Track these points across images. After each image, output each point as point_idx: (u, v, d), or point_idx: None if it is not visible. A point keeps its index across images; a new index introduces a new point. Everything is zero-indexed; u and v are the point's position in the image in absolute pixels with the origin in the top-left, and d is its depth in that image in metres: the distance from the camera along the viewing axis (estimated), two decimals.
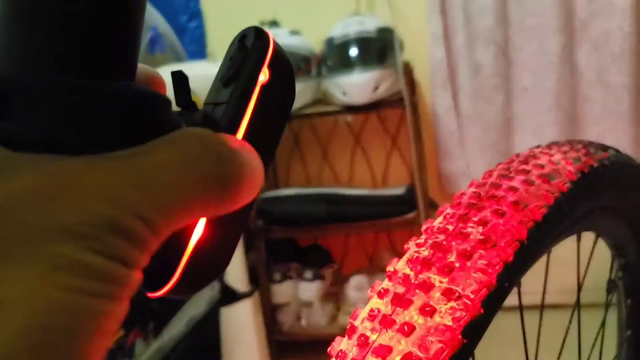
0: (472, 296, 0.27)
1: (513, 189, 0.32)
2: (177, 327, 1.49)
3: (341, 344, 0.27)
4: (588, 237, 0.55)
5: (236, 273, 1.40)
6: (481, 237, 0.29)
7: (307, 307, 1.88)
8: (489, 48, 1.83)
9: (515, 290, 0.34)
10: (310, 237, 2.05)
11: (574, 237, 0.46)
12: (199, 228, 0.14)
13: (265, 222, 1.82)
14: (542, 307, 0.50)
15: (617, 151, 0.48)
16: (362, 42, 1.63)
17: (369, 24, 1.65)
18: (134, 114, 0.13)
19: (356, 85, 1.61)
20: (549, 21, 1.80)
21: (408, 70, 1.62)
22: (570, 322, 0.55)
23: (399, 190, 1.75)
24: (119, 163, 0.12)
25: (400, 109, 1.68)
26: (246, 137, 0.15)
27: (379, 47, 1.63)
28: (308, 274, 1.84)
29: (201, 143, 0.13)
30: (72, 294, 0.10)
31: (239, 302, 1.37)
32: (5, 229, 0.10)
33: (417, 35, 1.91)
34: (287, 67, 0.16)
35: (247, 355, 1.38)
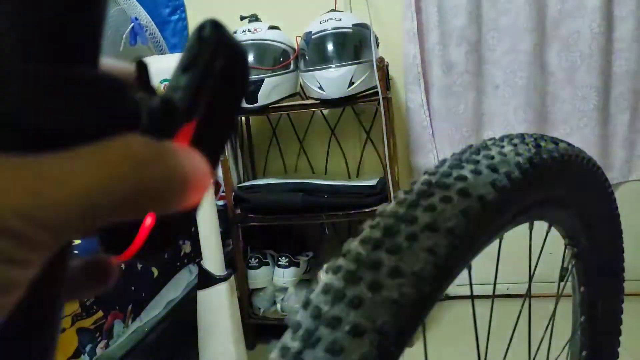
0: (417, 274, 0.29)
1: (462, 178, 0.35)
2: (155, 309, 1.50)
3: (297, 315, 0.29)
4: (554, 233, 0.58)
5: (214, 258, 1.42)
6: (429, 221, 0.31)
7: (282, 292, 1.91)
8: (461, 46, 1.87)
9: (482, 279, 0.37)
10: (286, 226, 2.08)
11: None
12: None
13: (242, 210, 1.83)
14: (493, 294, 0.53)
15: (569, 145, 0.50)
16: (339, 37, 1.65)
17: (346, 20, 1.67)
18: (93, 98, 0.14)
19: (332, 79, 1.63)
20: (521, 21, 1.84)
21: (383, 66, 1.65)
22: (521, 308, 0.59)
23: (371, 182, 1.78)
24: (24, 168, 0.12)
25: (374, 103, 1.70)
26: (202, 119, 0.16)
27: (355, 43, 1.65)
28: (283, 260, 1.87)
29: (123, 153, 0.14)
30: None
31: (216, 286, 1.39)
32: None
33: (392, 32, 1.94)
34: (241, 56, 0.18)
35: (223, 338, 1.40)
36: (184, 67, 0.17)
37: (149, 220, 0.16)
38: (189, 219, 0.18)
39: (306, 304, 0.29)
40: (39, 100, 0.13)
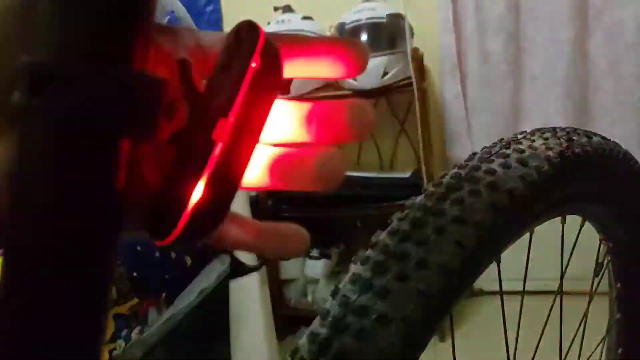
0: (444, 266, 0.30)
1: (491, 171, 0.35)
2: (188, 298, 1.54)
3: (326, 304, 0.30)
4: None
5: None
6: (456, 214, 0.32)
7: (313, 284, 1.93)
8: (499, 35, 1.83)
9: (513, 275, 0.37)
10: (317, 218, 2.09)
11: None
12: (199, 187, 0.17)
13: (274, 202, 1.86)
14: (523, 290, 0.52)
15: (603, 138, 0.50)
16: (373, 27, 1.64)
17: (380, 10, 1.66)
18: (138, 95, 0.15)
19: (366, 69, 1.62)
20: (561, 9, 1.79)
21: (417, 57, 1.63)
22: (552, 305, 0.58)
23: (405, 174, 1.77)
24: None
25: (409, 94, 1.69)
26: (237, 116, 0.18)
27: (389, 33, 1.64)
28: (315, 252, 1.89)
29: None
30: None
31: (248, 276, 1.42)
32: None
33: (427, 21, 1.91)
34: (277, 57, 0.19)
35: (254, 327, 1.43)
36: (222, 66, 0.18)
37: (190, 205, 0.17)
38: (224, 208, 0.19)
39: (335, 293, 0.30)
40: (80, 97, 0.14)
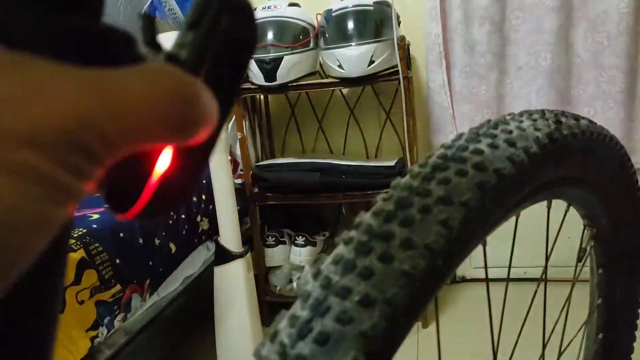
0: (429, 246, 0.29)
1: (478, 151, 0.34)
2: (172, 285, 1.53)
3: (307, 285, 0.29)
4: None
5: (231, 236, 1.43)
6: (442, 194, 0.31)
7: (298, 271, 1.92)
8: (484, 26, 1.83)
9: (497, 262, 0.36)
10: (303, 205, 2.08)
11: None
12: (165, 157, 0.16)
13: (260, 189, 1.84)
14: (507, 277, 0.52)
15: (591, 122, 0.49)
16: (360, 14, 1.62)
17: None
18: (102, 47, 0.14)
19: (352, 57, 1.61)
20: (546, 0, 1.79)
21: (404, 45, 1.62)
22: (536, 289, 0.58)
23: (390, 163, 1.77)
24: (92, 80, 0.13)
25: (395, 83, 1.68)
26: (207, 77, 0.16)
27: (376, 21, 1.63)
28: (300, 239, 1.88)
29: (171, 81, 0.14)
30: (25, 198, 0.11)
31: (232, 262, 1.41)
32: None
33: (414, 10, 1.90)
34: (248, 13, 0.17)
35: (239, 314, 1.42)
36: (190, 25, 0.17)
37: (153, 179, 0.16)
38: (193, 181, 0.17)
39: (316, 274, 0.29)
40: (37, 47, 0.13)
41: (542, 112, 0.42)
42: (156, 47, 0.16)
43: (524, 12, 1.84)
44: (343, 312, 0.27)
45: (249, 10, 0.17)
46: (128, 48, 0.15)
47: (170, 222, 1.55)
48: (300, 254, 1.88)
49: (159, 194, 0.16)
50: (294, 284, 1.92)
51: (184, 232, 1.61)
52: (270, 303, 1.90)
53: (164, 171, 0.16)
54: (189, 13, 0.17)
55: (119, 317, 1.30)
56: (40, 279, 0.14)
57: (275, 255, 1.90)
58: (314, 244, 1.91)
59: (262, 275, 1.88)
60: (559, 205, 0.55)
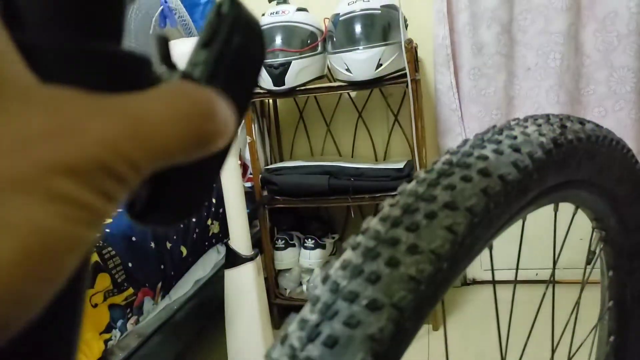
0: (435, 251, 0.30)
1: (483, 157, 0.35)
2: (183, 288, 1.54)
3: (316, 290, 0.30)
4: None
5: (241, 239, 1.44)
6: (448, 200, 0.31)
7: (308, 273, 1.93)
8: (492, 27, 1.83)
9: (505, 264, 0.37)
10: (312, 208, 2.09)
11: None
12: (181, 166, 0.17)
13: (269, 192, 1.85)
14: (515, 279, 0.52)
15: (597, 126, 0.49)
16: (367, 18, 1.63)
17: (374, 1, 1.65)
18: (123, 71, 0.15)
19: (360, 61, 1.61)
20: (555, 1, 1.78)
21: (411, 48, 1.63)
22: (545, 292, 0.58)
23: (398, 165, 1.77)
24: (117, 108, 0.14)
25: (403, 85, 1.69)
26: (221, 92, 0.17)
27: (383, 24, 1.63)
28: (309, 242, 1.89)
29: (189, 100, 0.15)
30: (63, 221, 0.12)
31: (242, 265, 1.42)
32: (15, 159, 0.12)
33: (422, 13, 1.91)
34: (258, 32, 0.18)
35: (250, 316, 1.43)
36: (203, 43, 0.17)
37: (170, 187, 0.17)
38: (208, 188, 0.18)
39: (325, 279, 0.30)
40: (62, 72, 0.14)
41: (547, 117, 0.43)
42: (171, 66, 0.17)
43: (532, 13, 1.83)
44: (351, 315, 0.27)
45: (257, 28, 0.18)
46: (147, 70, 0.16)
47: (182, 225, 1.56)
48: (310, 257, 1.89)
49: (175, 201, 0.17)
50: (304, 287, 1.93)
51: (194, 236, 1.62)
52: (280, 306, 1.91)
53: (180, 179, 0.17)
54: (202, 32, 0.18)
55: (132, 320, 1.31)
56: (69, 288, 0.15)
57: (284, 258, 1.91)
58: (323, 247, 1.91)
59: (271, 278, 1.89)
60: (570, 206, 0.55)
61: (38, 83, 0.13)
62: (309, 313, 0.29)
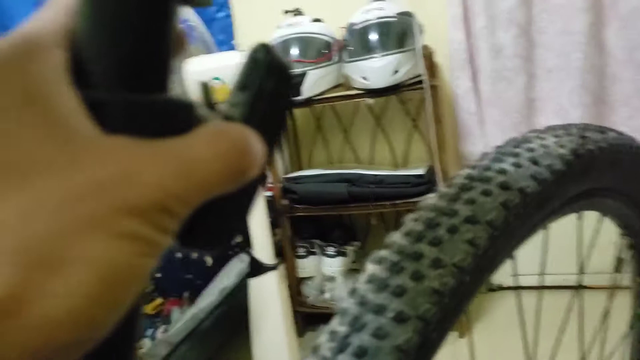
0: (457, 265, 0.31)
1: (502, 171, 0.36)
2: (209, 297, 1.57)
3: (344, 302, 0.31)
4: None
5: (263, 248, 1.46)
6: (469, 214, 0.33)
7: (330, 281, 1.94)
8: (510, 29, 1.82)
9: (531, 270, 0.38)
10: (333, 216, 2.11)
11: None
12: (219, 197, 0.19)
13: (289, 201, 1.87)
14: (541, 286, 0.53)
15: (619, 133, 0.49)
16: (382, 26, 1.64)
17: (389, 9, 1.67)
18: (173, 115, 0.17)
19: (376, 69, 1.63)
20: (574, 0, 1.77)
21: (428, 53, 1.63)
22: (572, 300, 0.58)
23: (418, 171, 1.77)
24: (168, 153, 0.16)
25: (420, 91, 1.69)
26: (255, 131, 0.19)
27: (398, 31, 1.64)
28: (331, 250, 1.90)
29: (227, 139, 0.17)
30: (131, 255, 0.15)
31: (266, 274, 1.44)
32: (89, 202, 0.14)
33: (437, 19, 1.91)
34: (289, 74, 0.20)
35: (274, 324, 1.45)
36: (240, 87, 0.19)
37: (210, 215, 0.19)
38: (245, 214, 0.20)
39: (352, 292, 0.31)
40: (122, 122, 0.16)
41: (566, 128, 0.44)
42: (213, 108, 0.19)
43: (550, 14, 1.82)
44: (379, 327, 0.29)
45: (289, 72, 0.20)
46: (192, 113, 0.18)
47: None
48: (332, 265, 1.90)
49: (213, 228, 0.19)
50: (326, 295, 1.94)
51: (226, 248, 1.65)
52: (303, 313, 1.92)
53: (217, 208, 0.19)
54: (239, 75, 0.20)
55: (161, 329, 1.34)
56: (132, 308, 0.16)
57: (306, 266, 1.92)
58: (344, 255, 1.92)
59: (294, 286, 1.91)
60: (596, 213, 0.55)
61: (101, 134, 0.15)
62: (338, 325, 0.30)
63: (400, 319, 0.29)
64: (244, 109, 0.19)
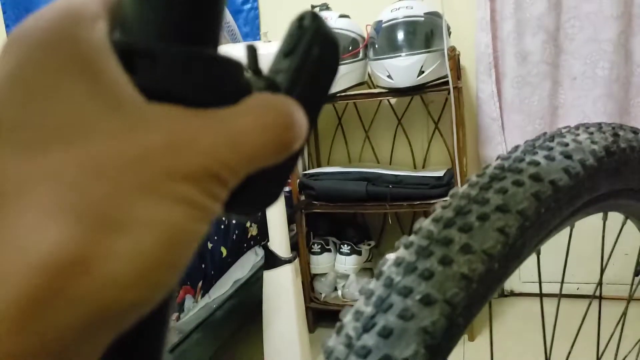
0: (487, 251, 0.31)
1: (535, 163, 0.35)
2: (223, 287, 1.58)
3: (370, 284, 0.31)
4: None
5: (279, 241, 1.47)
6: (500, 203, 0.32)
7: (343, 279, 1.94)
8: (538, 35, 1.80)
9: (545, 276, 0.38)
10: (349, 214, 2.10)
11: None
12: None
13: (307, 197, 1.88)
14: (560, 292, 0.52)
15: None
16: (410, 25, 1.64)
17: (418, 9, 1.66)
18: (223, 74, 0.17)
19: (402, 68, 1.62)
20: (605, 8, 1.74)
21: (454, 56, 1.62)
22: (589, 306, 0.57)
23: (438, 173, 1.76)
24: (218, 122, 0.16)
25: (444, 93, 1.68)
26: (299, 99, 0.19)
27: (426, 31, 1.64)
28: (345, 248, 1.90)
29: (274, 112, 0.17)
30: (187, 220, 0.15)
31: (281, 267, 1.44)
32: (140, 168, 0.15)
33: (465, 21, 1.90)
34: (335, 46, 0.20)
35: (286, 317, 1.45)
36: (285, 53, 0.19)
37: (252, 182, 0.19)
38: (283, 183, 0.20)
39: (379, 275, 0.31)
40: (179, 75, 0.16)
41: (599, 125, 0.43)
42: (258, 73, 0.19)
43: (580, 21, 1.80)
44: (405, 309, 0.29)
45: (335, 42, 0.20)
46: (240, 74, 0.18)
47: (222, 227, 1.60)
48: (346, 262, 1.90)
49: (256, 195, 0.19)
50: (339, 292, 1.94)
51: (234, 237, 1.66)
52: (315, 309, 1.93)
53: (260, 178, 0.19)
54: (284, 42, 0.20)
55: (173, 317, 1.36)
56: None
57: (320, 262, 1.93)
58: (359, 253, 1.92)
59: (307, 282, 1.91)
60: (616, 220, 0.54)
61: (148, 104, 0.16)
62: (363, 305, 0.31)
63: (427, 301, 0.29)
64: (288, 76, 0.19)
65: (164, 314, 0.19)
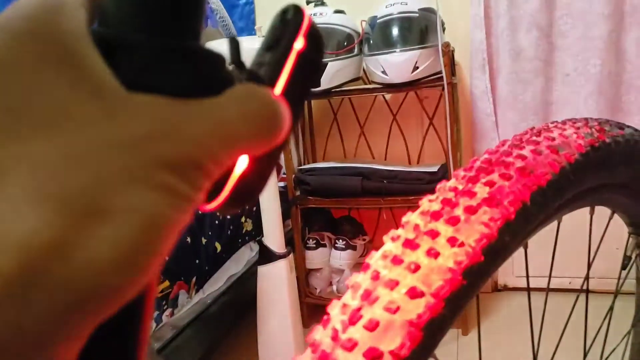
0: (473, 245, 0.31)
1: (522, 157, 0.36)
2: (217, 283, 1.58)
3: (357, 278, 0.32)
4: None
5: (274, 236, 1.47)
6: (486, 196, 0.33)
7: (338, 274, 1.95)
8: (531, 32, 1.81)
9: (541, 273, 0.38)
10: (344, 209, 2.11)
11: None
12: (244, 160, 0.19)
13: (302, 192, 1.88)
14: (547, 286, 0.53)
15: (636, 130, 0.49)
16: (405, 21, 1.64)
17: (412, 4, 1.66)
18: (203, 65, 0.17)
19: (396, 63, 1.62)
20: (597, 6, 1.75)
21: (448, 52, 1.62)
22: (576, 299, 0.58)
23: (432, 168, 1.77)
24: (202, 111, 0.16)
25: (439, 89, 1.69)
26: (282, 93, 0.19)
27: (420, 27, 1.64)
28: (340, 243, 1.90)
29: (258, 102, 0.18)
30: (168, 208, 0.15)
31: (275, 262, 1.45)
32: (125, 156, 0.15)
33: (460, 17, 1.90)
34: (319, 39, 0.20)
35: (281, 313, 1.45)
36: (268, 46, 0.19)
37: (237, 171, 0.19)
38: (265, 178, 0.20)
39: (365, 268, 0.32)
40: (156, 65, 0.16)
41: (586, 121, 0.44)
42: (241, 65, 0.19)
43: (573, 18, 1.80)
44: (391, 301, 0.29)
45: (319, 37, 0.20)
46: (223, 68, 0.18)
47: (216, 222, 1.60)
48: (341, 258, 1.91)
49: (238, 190, 0.19)
50: (334, 287, 1.95)
51: (228, 232, 1.66)
52: (309, 305, 1.93)
53: (243, 171, 0.19)
54: (267, 36, 0.20)
55: (167, 312, 1.36)
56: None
57: (315, 257, 1.93)
58: (354, 248, 1.93)
59: (302, 277, 1.92)
60: (605, 214, 0.55)
61: (129, 93, 0.16)
62: (350, 299, 0.31)
63: (413, 294, 0.29)
64: (271, 69, 0.19)
65: (141, 307, 0.18)
